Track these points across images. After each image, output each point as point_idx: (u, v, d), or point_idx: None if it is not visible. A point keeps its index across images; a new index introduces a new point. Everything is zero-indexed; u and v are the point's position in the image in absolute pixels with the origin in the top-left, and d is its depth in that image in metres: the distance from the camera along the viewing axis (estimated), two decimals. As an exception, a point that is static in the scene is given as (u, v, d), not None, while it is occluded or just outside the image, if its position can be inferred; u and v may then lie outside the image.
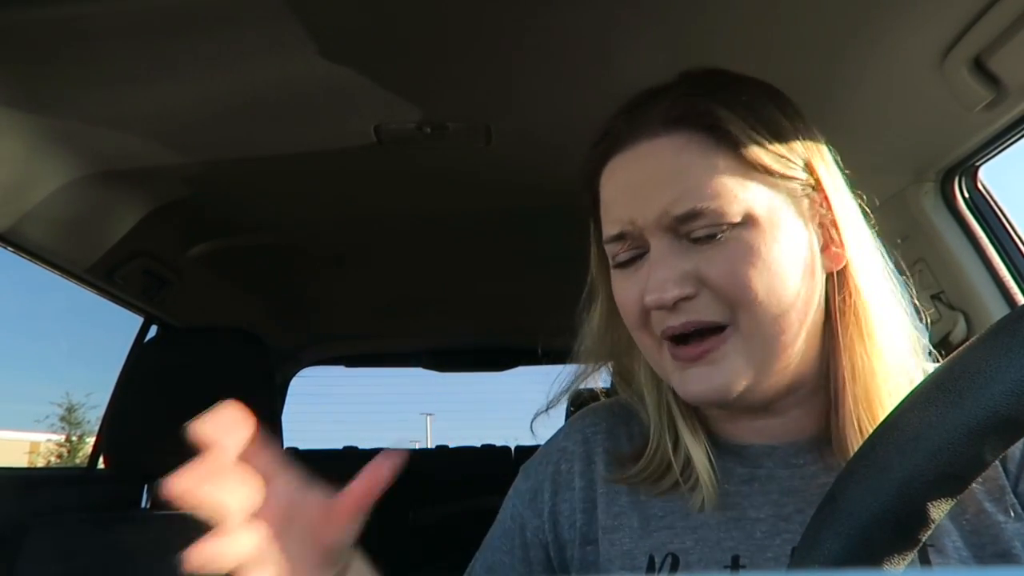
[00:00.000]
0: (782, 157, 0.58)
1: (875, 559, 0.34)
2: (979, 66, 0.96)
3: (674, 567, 0.58)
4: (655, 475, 0.62)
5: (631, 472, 0.63)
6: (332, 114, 1.18)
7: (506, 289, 2.24)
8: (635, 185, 0.58)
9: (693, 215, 0.55)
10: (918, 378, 0.60)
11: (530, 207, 1.58)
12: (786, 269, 0.56)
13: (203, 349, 1.37)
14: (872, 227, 0.64)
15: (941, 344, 1.26)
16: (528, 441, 2.95)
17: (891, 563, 0.34)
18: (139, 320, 1.92)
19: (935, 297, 1.27)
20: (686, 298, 0.56)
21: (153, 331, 1.97)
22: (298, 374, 2.92)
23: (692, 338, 0.57)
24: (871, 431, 0.54)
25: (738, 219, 0.55)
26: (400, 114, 1.18)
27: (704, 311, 0.56)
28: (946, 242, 1.22)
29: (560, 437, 0.71)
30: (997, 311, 1.17)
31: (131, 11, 0.89)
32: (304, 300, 2.36)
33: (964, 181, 1.22)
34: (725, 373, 0.57)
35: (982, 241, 1.20)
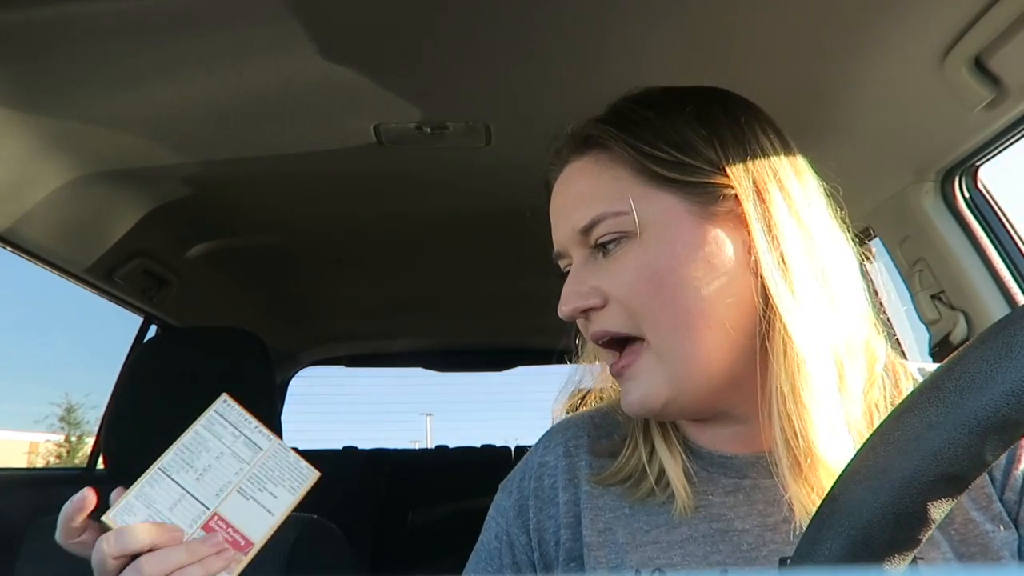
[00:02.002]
0: (687, 165, 0.58)
1: (875, 559, 0.34)
2: (979, 66, 0.96)
3: None
4: (631, 478, 0.62)
5: (608, 472, 0.63)
6: (332, 114, 1.18)
7: (506, 289, 2.24)
8: (556, 208, 0.64)
9: (592, 225, 0.59)
10: (853, 403, 0.57)
11: (530, 207, 1.58)
12: (692, 281, 0.56)
13: (203, 349, 1.36)
14: (846, 230, 0.62)
15: (941, 344, 1.26)
16: (528, 441, 2.95)
17: (891, 563, 0.34)
18: (138, 320, 1.92)
19: (935, 297, 1.27)
20: (593, 308, 0.59)
21: (152, 331, 1.97)
22: (298, 374, 2.92)
23: (621, 351, 0.60)
24: (794, 445, 0.53)
25: (636, 229, 0.57)
26: (400, 114, 1.18)
27: (611, 322, 0.59)
28: (946, 242, 1.21)
29: (540, 451, 0.69)
30: (997, 311, 1.17)
31: (131, 11, 0.89)
32: (304, 300, 2.36)
33: (964, 181, 1.22)
34: (642, 388, 0.59)
35: (982, 241, 1.20)
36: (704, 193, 0.57)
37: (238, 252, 1.83)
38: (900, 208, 1.27)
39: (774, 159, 0.60)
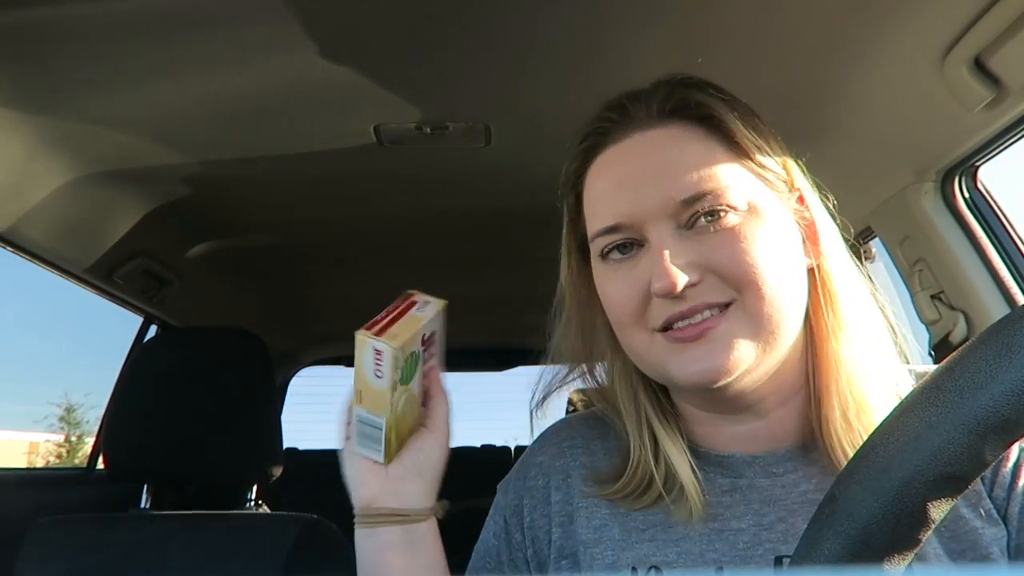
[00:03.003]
0: (768, 155, 0.60)
1: (875, 559, 0.34)
2: (979, 66, 0.96)
3: None
4: (638, 491, 0.61)
5: (612, 490, 0.62)
6: (332, 114, 1.18)
7: (506, 289, 2.24)
8: (633, 176, 0.59)
9: (697, 198, 0.56)
10: (903, 381, 0.60)
11: (530, 207, 1.58)
12: (781, 257, 0.58)
13: (202, 349, 1.36)
14: (844, 238, 0.65)
15: (941, 344, 1.26)
16: (528, 441, 2.94)
17: (891, 563, 0.34)
18: (138, 320, 1.92)
19: (935, 297, 1.26)
20: (691, 285, 0.56)
21: (153, 331, 1.97)
22: (298, 374, 2.92)
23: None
24: (856, 426, 0.56)
25: (738, 205, 0.57)
26: (400, 114, 1.18)
27: (709, 295, 0.56)
28: (946, 242, 1.21)
29: (536, 450, 0.70)
30: (997, 311, 1.17)
31: (131, 11, 0.89)
32: (304, 300, 2.36)
33: (964, 181, 1.22)
34: (727, 350, 0.56)
35: (982, 241, 1.20)
36: (781, 187, 0.60)
37: (238, 252, 1.83)
38: (900, 208, 1.27)
39: (794, 161, 0.63)
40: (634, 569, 0.59)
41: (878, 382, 0.59)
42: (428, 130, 1.23)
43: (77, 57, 0.98)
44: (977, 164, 1.18)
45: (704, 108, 0.59)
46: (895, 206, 1.28)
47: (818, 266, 0.61)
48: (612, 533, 0.61)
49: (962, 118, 1.05)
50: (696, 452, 0.63)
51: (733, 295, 0.56)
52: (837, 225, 0.64)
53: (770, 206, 0.59)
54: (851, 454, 0.51)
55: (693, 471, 0.60)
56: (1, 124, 1.12)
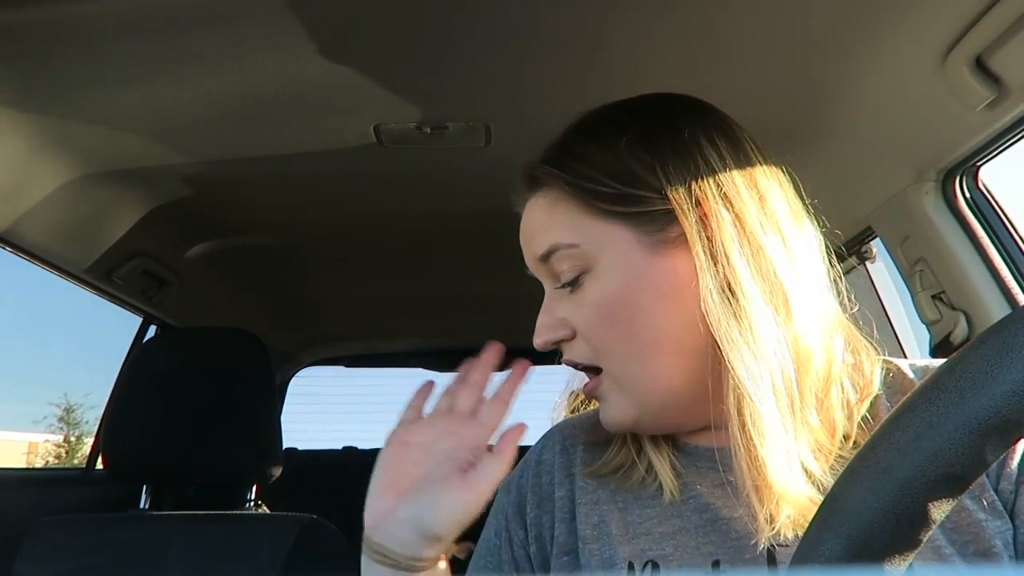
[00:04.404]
0: (630, 196, 0.58)
1: (875, 559, 0.34)
2: (980, 66, 0.96)
3: (654, 574, 0.59)
4: (622, 468, 0.64)
5: (601, 462, 0.65)
6: (332, 114, 1.18)
7: (506, 289, 2.24)
8: (521, 239, 0.66)
9: (548, 254, 0.61)
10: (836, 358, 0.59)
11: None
12: (644, 311, 0.58)
13: (202, 349, 1.37)
14: (822, 233, 0.62)
15: (942, 344, 1.26)
16: (527, 441, 2.94)
17: (892, 563, 0.34)
18: (138, 320, 1.92)
19: (936, 297, 1.26)
20: (563, 340, 0.62)
21: (152, 331, 1.97)
22: (298, 374, 2.92)
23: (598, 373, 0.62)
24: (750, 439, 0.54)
25: (590, 262, 0.59)
26: (400, 114, 1.18)
27: (577, 353, 0.62)
28: (947, 242, 1.21)
29: (539, 449, 0.71)
30: (998, 311, 1.17)
31: (131, 11, 0.89)
32: (304, 300, 2.36)
33: (965, 181, 1.22)
34: (610, 409, 0.61)
35: (983, 241, 1.20)
36: (651, 222, 0.58)
37: (238, 252, 1.83)
38: (901, 208, 1.27)
39: (722, 175, 0.58)
40: (631, 566, 0.59)
41: (764, 439, 0.54)
42: (428, 130, 1.23)
43: (77, 57, 0.98)
44: (978, 164, 1.18)
45: (544, 180, 0.62)
46: (896, 206, 1.28)
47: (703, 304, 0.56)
48: (609, 529, 0.62)
49: (963, 118, 1.05)
50: (685, 449, 0.64)
51: (595, 360, 0.61)
52: (818, 224, 0.62)
53: (633, 254, 0.58)
54: (755, 489, 0.53)
55: (672, 464, 0.62)
56: (1, 124, 1.12)
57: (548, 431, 0.72)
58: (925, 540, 0.34)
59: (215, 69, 1.03)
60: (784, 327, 0.56)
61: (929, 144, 1.16)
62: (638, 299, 0.58)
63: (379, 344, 2.95)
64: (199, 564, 1.16)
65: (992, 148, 1.11)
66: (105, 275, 1.58)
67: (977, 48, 0.93)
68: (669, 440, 0.64)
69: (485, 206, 1.61)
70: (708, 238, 0.57)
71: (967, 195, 1.22)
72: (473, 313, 2.55)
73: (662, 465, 0.62)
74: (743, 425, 0.54)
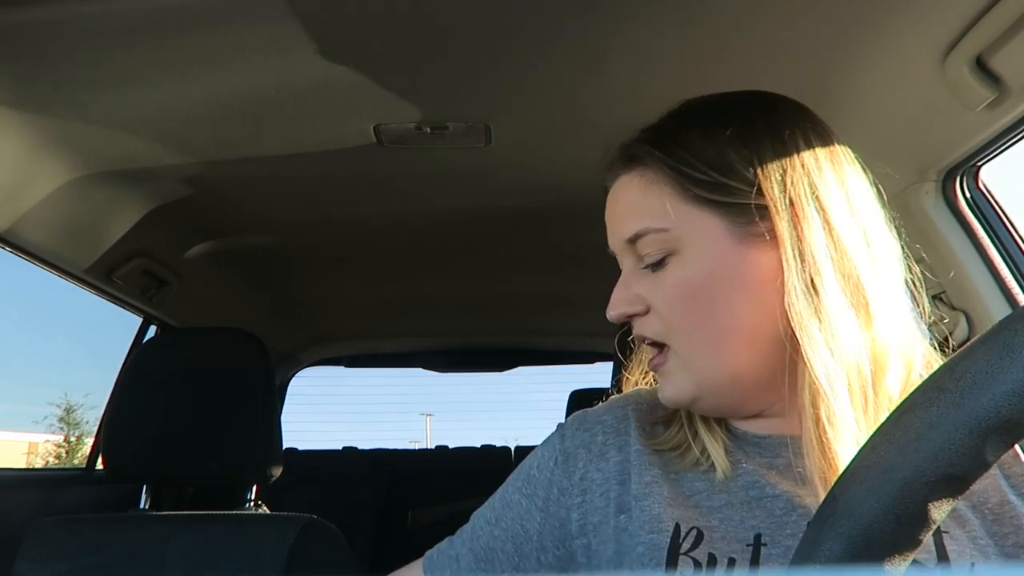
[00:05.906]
0: (725, 186, 0.60)
1: (876, 560, 0.34)
2: (981, 66, 0.95)
3: (698, 541, 0.60)
4: (679, 448, 0.66)
5: (661, 438, 0.67)
6: (332, 114, 1.18)
7: (506, 289, 2.24)
8: (608, 217, 0.68)
9: (636, 237, 0.63)
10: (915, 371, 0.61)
11: (530, 207, 1.58)
12: (725, 299, 0.60)
13: (202, 349, 1.36)
14: (897, 228, 0.64)
15: (942, 345, 1.26)
16: (528, 441, 2.96)
17: (892, 563, 0.34)
18: (138, 320, 1.92)
19: (936, 297, 1.26)
20: (637, 315, 0.64)
21: (152, 331, 1.97)
22: (298, 374, 2.92)
23: (661, 349, 0.65)
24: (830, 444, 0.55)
25: (679, 245, 0.61)
26: (400, 114, 1.18)
27: (647, 328, 0.64)
28: (948, 242, 1.21)
29: (601, 410, 0.72)
30: (999, 311, 1.17)
31: (131, 11, 0.89)
32: (304, 300, 2.36)
33: (966, 181, 1.21)
34: (671, 386, 0.64)
35: (984, 241, 1.19)
36: (742, 214, 0.60)
37: (238, 252, 1.83)
38: (901, 208, 1.27)
39: (816, 178, 0.61)
40: (678, 528, 0.61)
41: (837, 435, 0.55)
42: (428, 130, 1.23)
43: (77, 57, 0.98)
44: (979, 164, 1.18)
45: (649, 157, 0.63)
46: (896, 206, 1.27)
47: (786, 298, 0.58)
48: (661, 490, 0.64)
49: (963, 118, 1.04)
50: (735, 433, 0.66)
51: (666, 337, 0.63)
52: (888, 220, 0.65)
53: (722, 244, 0.60)
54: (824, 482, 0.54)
55: (726, 447, 0.64)
56: (1, 124, 1.12)
57: (614, 397, 0.74)
58: (924, 540, 0.34)
59: (215, 69, 1.03)
60: (864, 329, 0.59)
61: (929, 144, 1.16)
62: (720, 286, 0.60)
63: (379, 344, 2.95)
64: (199, 564, 1.16)
65: (992, 148, 1.11)
66: (105, 275, 1.58)
67: (978, 48, 0.93)
68: (721, 423, 0.66)
69: (485, 206, 1.62)
70: (798, 237, 0.59)
71: (967, 195, 1.22)
72: (473, 313, 2.55)
73: (716, 448, 0.64)
74: (817, 419, 0.56)
